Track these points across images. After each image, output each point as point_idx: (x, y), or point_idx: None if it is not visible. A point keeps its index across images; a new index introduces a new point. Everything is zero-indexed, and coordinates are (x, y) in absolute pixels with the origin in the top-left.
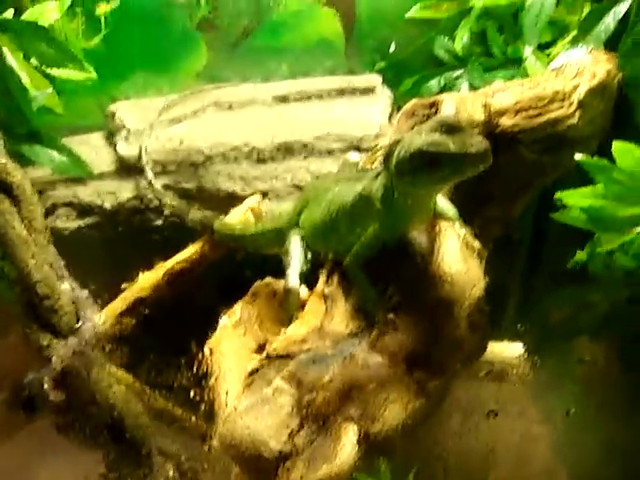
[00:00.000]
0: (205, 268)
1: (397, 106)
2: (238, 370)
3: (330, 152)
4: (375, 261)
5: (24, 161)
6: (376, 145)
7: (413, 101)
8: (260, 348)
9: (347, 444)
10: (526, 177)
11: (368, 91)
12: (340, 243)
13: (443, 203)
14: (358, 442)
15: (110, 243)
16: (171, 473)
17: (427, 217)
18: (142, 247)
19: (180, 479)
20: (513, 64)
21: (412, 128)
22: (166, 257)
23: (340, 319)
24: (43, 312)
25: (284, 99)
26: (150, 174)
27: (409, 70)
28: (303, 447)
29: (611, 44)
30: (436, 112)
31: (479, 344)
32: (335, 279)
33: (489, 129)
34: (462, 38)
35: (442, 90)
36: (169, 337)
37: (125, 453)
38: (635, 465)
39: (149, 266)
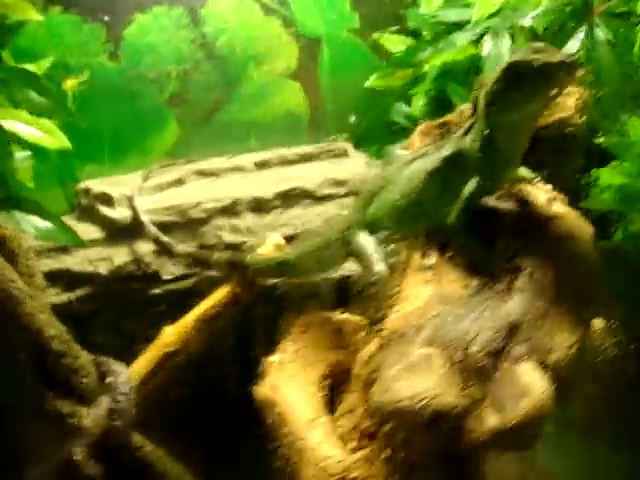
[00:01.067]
0: (237, 311)
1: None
2: (310, 406)
3: (334, 197)
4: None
5: None
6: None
7: (425, 123)
8: (325, 378)
9: (533, 378)
10: None
11: (343, 153)
12: (432, 214)
13: (520, 168)
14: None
15: (106, 316)
16: None
17: (517, 169)
18: (142, 319)
19: None
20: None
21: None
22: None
23: (454, 285)
24: (61, 374)
25: (266, 164)
26: (153, 229)
27: (370, 138)
28: (482, 397)
29: None
30: (448, 130)
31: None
32: (433, 250)
33: None
34: (418, 101)
35: None
36: (208, 391)
37: None
38: None
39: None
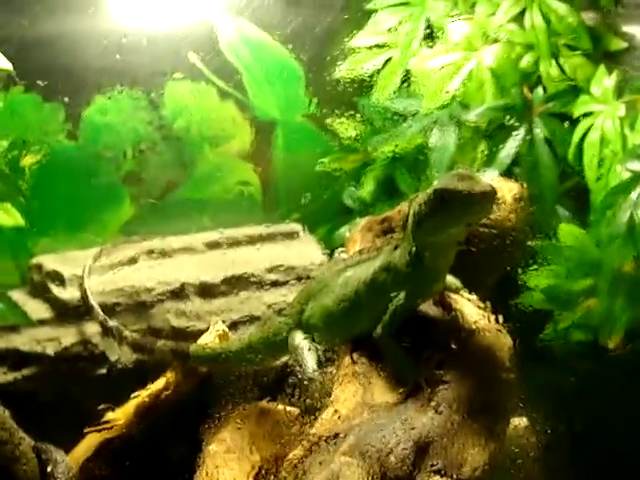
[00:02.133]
0: (178, 398)
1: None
2: None
3: (281, 284)
4: (399, 333)
5: None
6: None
7: (367, 218)
8: (259, 471)
9: None
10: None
11: (293, 235)
12: (364, 322)
13: (448, 277)
14: None
15: (52, 396)
16: None
17: (443, 282)
18: (89, 397)
19: None
20: None
21: (373, 240)
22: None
23: (381, 392)
24: (2, 460)
25: (216, 245)
26: (101, 313)
27: (321, 219)
28: None
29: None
30: (389, 226)
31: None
32: (363, 357)
33: None
34: (368, 185)
35: None
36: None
37: None
38: None
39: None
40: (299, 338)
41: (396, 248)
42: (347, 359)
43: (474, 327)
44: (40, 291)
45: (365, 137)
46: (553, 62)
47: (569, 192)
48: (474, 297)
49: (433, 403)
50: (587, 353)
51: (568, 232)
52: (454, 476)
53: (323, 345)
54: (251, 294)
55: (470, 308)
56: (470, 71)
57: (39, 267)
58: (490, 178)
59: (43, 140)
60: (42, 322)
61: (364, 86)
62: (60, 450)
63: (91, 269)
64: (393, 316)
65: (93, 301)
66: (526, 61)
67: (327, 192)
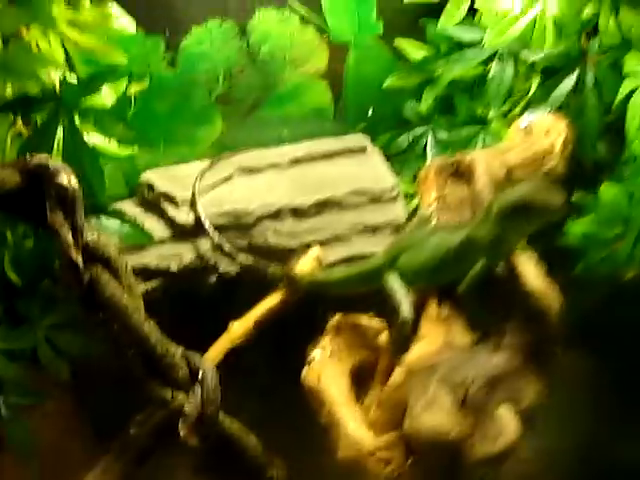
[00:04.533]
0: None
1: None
2: (344, 395)
3: (357, 205)
4: (477, 289)
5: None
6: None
7: (438, 161)
8: (352, 373)
9: (510, 421)
10: None
11: (362, 150)
12: (448, 279)
13: None
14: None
15: (176, 302)
16: None
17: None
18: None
19: None
20: (476, 123)
21: (444, 185)
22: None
23: (461, 334)
24: (161, 369)
25: (297, 161)
26: (217, 237)
27: (383, 129)
28: (472, 431)
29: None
30: (457, 170)
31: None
32: (447, 304)
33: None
34: (427, 101)
35: (410, 145)
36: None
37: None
38: None
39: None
40: (395, 280)
41: (478, 225)
42: (434, 305)
43: (531, 288)
44: (153, 209)
45: (429, 59)
46: (612, 16)
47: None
48: (534, 257)
49: (501, 347)
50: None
51: (608, 189)
52: (515, 408)
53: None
54: (334, 216)
55: (530, 268)
56: (534, 17)
57: (150, 186)
58: (541, 115)
59: (146, 70)
60: (162, 241)
61: (432, 11)
62: (206, 359)
63: (198, 192)
64: (473, 278)
65: (208, 225)
66: (587, 12)
67: (390, 106)
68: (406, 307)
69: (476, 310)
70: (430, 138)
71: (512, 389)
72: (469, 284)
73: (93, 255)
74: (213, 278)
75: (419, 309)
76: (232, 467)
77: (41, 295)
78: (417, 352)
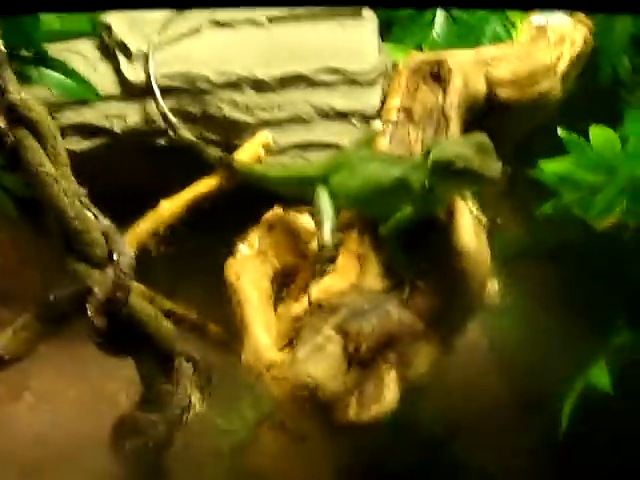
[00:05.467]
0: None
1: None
2: (261, 298)
3: (328, 85)
4: (403, 234)
5: (29, 84)
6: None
7: (418, 57)
8: (276, 276)
9: (391, 386)
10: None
11: (356, 14)
12: (373, 212)
13: None
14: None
15: (119, 164)
16: (191, 373)
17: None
18: (148, 167)
19: (199, 378)
20: None
21: (416, 87)
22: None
23: (373, 277)
24: (77, 245)
25: (279, 19)
26: (164, 106)
27: None
28: (353, 388)
29: None
30: (438, 72)
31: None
32: (367, 240)
33: (489, 98)
34: None
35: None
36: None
37: (157, 362)
38: None
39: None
40: (324, 198)
41: (414, 168)
42: (354, 238)
43: (463, 248)
44: (110, 56)
45: None
46: None
47: None
48: (475, 206)
49: (409, 305)
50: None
51: (598, 131)
52: (401, 373)
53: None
54: (299, 93)
55: (468, 223)
56: None
57: (109, 29)
58: (560, 17)
59: None
60: (109, 98)
61: None
62: (123, 237)
63: (155, 47)
64: (397, 223)
65: (157, 90)
66: None
67: None
68: (327, 230)
69: (396, 257)
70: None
71: (405, 353)
72: (392, 227)
73: (17, 117)
74: (161, 141)
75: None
76: (140, 350)
77: None
78: (324, 285)
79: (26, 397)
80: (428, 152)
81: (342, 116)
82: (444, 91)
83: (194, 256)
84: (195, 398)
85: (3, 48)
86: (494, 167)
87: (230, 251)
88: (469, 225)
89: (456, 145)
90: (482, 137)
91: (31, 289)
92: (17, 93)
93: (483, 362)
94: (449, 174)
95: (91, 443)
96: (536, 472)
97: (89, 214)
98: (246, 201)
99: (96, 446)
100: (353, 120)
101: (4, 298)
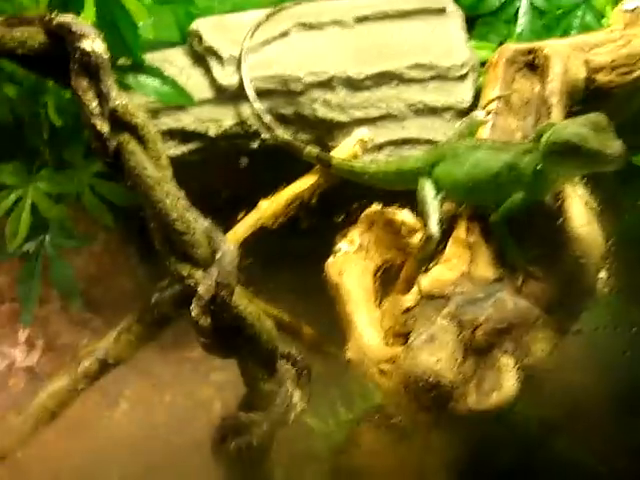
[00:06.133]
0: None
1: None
2: (365, 294)
3: (419, 81)
4: (513, 222)
5: (127, 91)
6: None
7: (512, 48)
8: (378, 271)
9: (510, 373)
10: None
11: (440, 11)
12: (483, 201)
13: None
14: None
15: (212, 166)
16: (293, 372)
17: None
18: (242, 170)
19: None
20: None
21: (513, 78)
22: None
23: (484, 266)
24: (180, 246)
25: (364, 19)
26: (261, 106)
27: None
28: (470, 376)
29: None
30: (534, 61)
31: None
32: (476, 229)
33: (588, 84)
34: None
35: (501, 6)
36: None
37: (260, 361)
38: None
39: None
40: (429, 189)
41: (525, 153)
42: (463, 227)
43: (578, 234)
44: (201, 62)
45: None
46: None
47: None
48: (585, 192)
49: (523, 292)
50: None
51: None
52: (519, 361)
53: (446, 202)
54: (392, 91)
55: (579, 208)
56: None
57: (199, 37)
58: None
59: None
60: (203, 103)
61: None
62: (225, 237)
63: (247, 52)
64: (509, 209)
65: (251, 92)
66: None
67: None
68: (434, 222)
69: (508, 244)
70: (525, 1)
71: (523, 340)
72: (503, 214)
73: (120, 122)
74: (255, 144)
75: (451, 227)
76: (244, 350)
77: (84, 143)
78: (434, 275)
79: (121, 404)
80: (540, 135)
81: (434, 112)
82: (541, 79)
83: (282, 257)
84: (297, 397)
85: (104, 52)
86: (615, 145)
87: (316, 251)
88: (581, 210)
89: (573, 125)
90: (600, 116)
91: (123, 298)
92: (120, 99)
93: (582, 357)
94: (566, 155)
95: (187, 448)
96: None
97: (190, 216)
98: (333, 203)
99: (192, 452)
100: (446, 115)
101: (97, 307)
